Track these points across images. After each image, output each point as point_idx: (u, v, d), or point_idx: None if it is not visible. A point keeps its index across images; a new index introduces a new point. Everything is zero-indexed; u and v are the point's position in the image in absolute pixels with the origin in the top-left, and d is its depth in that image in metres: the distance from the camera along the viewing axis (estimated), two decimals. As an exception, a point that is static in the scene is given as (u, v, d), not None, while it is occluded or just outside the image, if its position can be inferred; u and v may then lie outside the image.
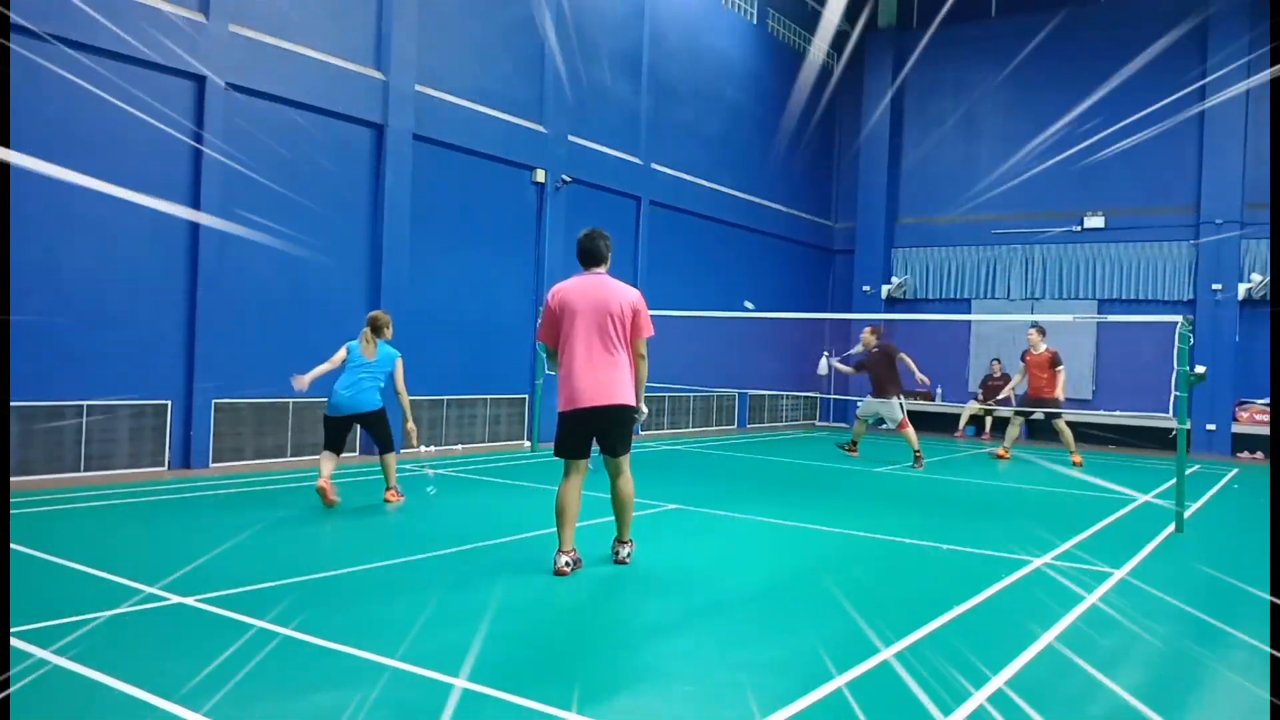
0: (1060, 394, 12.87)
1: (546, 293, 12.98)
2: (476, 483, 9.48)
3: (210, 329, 9.65)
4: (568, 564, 5.64)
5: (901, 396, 12.44)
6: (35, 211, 8.33)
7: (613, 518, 6.09)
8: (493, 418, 13.04)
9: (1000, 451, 13.63)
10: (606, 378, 5.68)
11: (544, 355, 6.33)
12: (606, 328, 5.71)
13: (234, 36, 9.79)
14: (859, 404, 13.68)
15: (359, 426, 8.21)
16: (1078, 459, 12.91)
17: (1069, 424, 13.14)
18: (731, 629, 4.78)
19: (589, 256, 5.96)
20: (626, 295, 5.81)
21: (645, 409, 6.04)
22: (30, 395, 8.34)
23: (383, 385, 7.97)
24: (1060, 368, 12.88)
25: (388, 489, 8.02)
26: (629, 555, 6.03)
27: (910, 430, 12.38)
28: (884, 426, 13.58)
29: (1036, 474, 11.88)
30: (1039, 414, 13.46)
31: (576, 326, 5.73)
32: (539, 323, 6.12)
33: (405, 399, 8.08)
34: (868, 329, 12.88)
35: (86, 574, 5.25)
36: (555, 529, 5.77)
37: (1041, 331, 13.06)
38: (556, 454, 5.85)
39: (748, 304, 14.08)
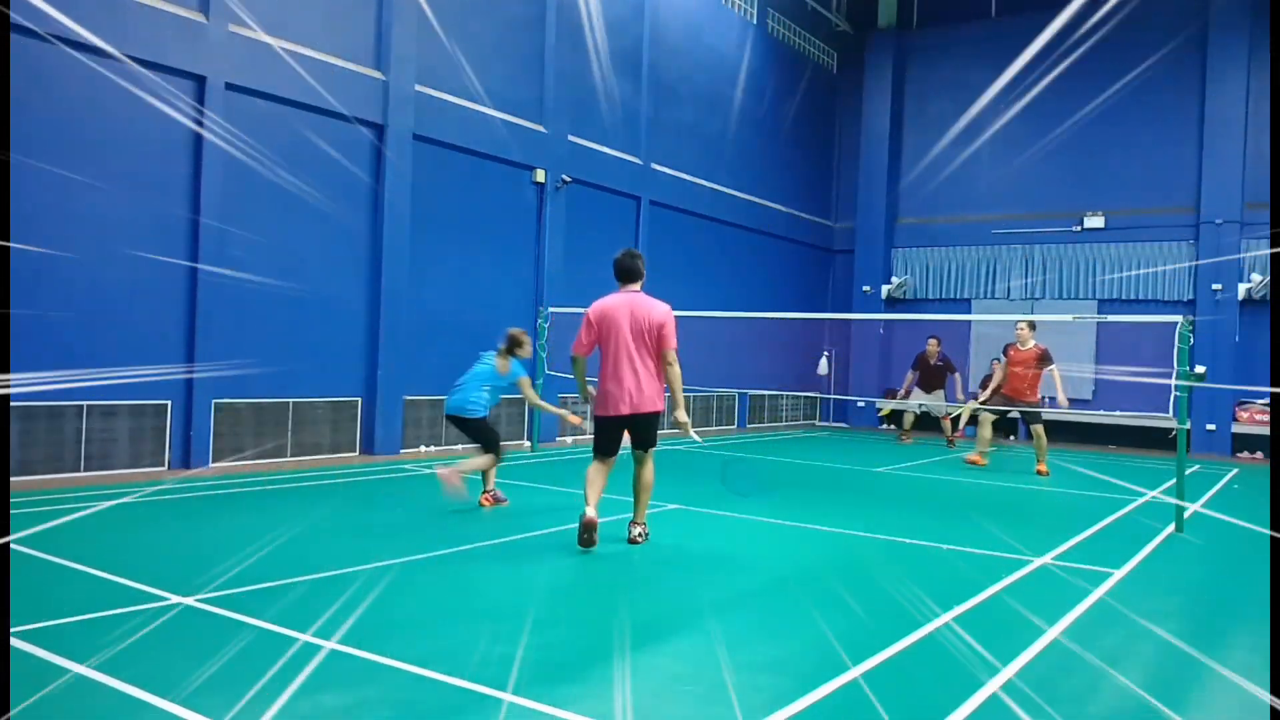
0: (1062, 397, 11.58)
1: (545, 292, 13.24)
2: (475, 483, 9.47)
3: (211, 329, 9.65)
4: (592, 513, 6.25)
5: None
6: (35, 211, 8.33)
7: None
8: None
9: (974, 457, 12.36)
10: (637, 388, 6.40)
11: (573, 364, 6.77)
12: (640, 341, 6.41)
13: (234, 36, 9.79)
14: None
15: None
16: (1043, 469, 11.68)
17: (1051, 425, 11.88)
18: (732, 629, 4.77)
19: (627, 274, 6.61)
20: (658, 311, 6.48)
21: (683, 415, 6.75)
22: (30, 395, 8.34)
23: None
24: (1052, 367, 11.58)
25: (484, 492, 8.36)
26: (640, 535, 6.63)
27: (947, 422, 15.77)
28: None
29: (1035, 475, 11.85)
30: (1014, 412, 12.35)
31: (615, 340, 6.41)
32: (579, 335, 6.59)
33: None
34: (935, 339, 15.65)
35: (87, 574, 5.25)
36: (584, 493, 6.42)
37: (1032, 325, 11.80)
38: (594, 452, 6.66)
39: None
